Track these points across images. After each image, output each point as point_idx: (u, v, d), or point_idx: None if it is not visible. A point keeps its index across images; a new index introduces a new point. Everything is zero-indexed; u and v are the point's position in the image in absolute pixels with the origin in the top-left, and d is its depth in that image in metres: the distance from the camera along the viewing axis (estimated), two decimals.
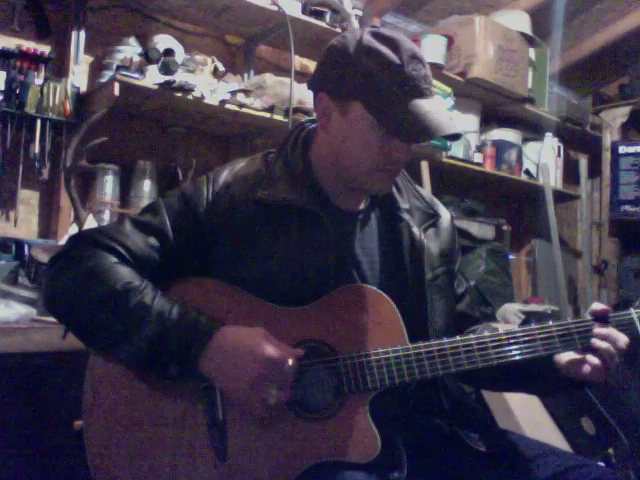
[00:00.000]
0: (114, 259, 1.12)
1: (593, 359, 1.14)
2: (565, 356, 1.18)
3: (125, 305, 1.07)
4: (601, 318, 1.17)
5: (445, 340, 1.14)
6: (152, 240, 1.16)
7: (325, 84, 1.18)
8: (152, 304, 1.07)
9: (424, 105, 1.10)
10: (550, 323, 1.17)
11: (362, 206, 1.27)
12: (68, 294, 1.12)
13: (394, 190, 1.28)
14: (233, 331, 1.08)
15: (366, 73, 1.10)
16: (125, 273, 1.10)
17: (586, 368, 1.14)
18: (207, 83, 2.36)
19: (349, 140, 1.16)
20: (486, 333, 1.16)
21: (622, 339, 1.14)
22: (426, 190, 2.88)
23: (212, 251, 1.18)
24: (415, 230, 1.25)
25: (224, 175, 1.24)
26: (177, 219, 1.19)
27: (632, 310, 1.19)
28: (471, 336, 1.15)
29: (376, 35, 1.13)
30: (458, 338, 1.14)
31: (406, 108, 1.09)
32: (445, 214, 1.35)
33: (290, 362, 1.06)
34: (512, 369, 1.19)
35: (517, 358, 1.14)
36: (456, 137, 1.18)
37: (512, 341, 1.15)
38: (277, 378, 1.05)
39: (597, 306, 1.19)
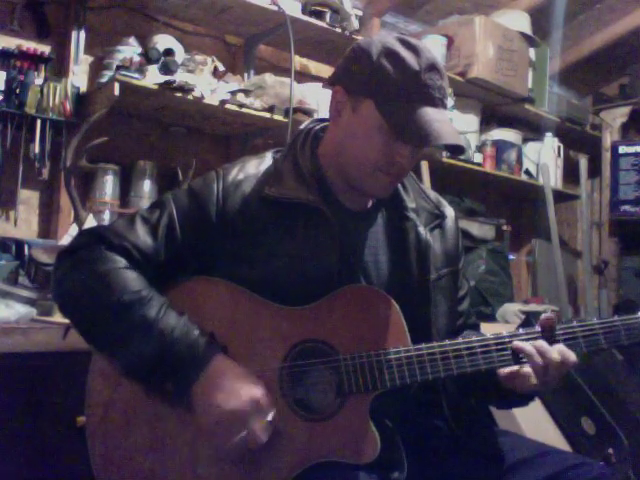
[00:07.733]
0: (123, 263, 1.12)
1: (527, 371, 1.13)
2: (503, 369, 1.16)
3: (129, 318, 1.07)
4: (547, 330, 1.14)
5: (447, 342, 1.13)
6: (161, 238, 1.16)
7: (343, 78, 1.19)
8: (156, 319, 1.07)
9: (432, 113, 1.11)
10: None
11: (369, 205, 1.27)
12: (75, 297, 1.13)
13: (401, 190, 1.28)
14: (227, 364, 1.08)
15: (382, 73, 1.12)
16: (133, 281, 1.10)
17: (521, 379, 1.14)
18: (207, 83, 2.36)
19: (355, 136, 1.17)
20: (489, 335, 1.15)
21: (554, 352, 1.11)
22: None
23: (217, 249, 1.18)
24: (421, 230, 1.24)
25: (234, 172, 1.23)
26: (185, 216, 1.18)
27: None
28: (474, 338, 1.14)
29: (401, 40, 1.15)
30: (461, 340, 1.14)
31: (414, 113, 1.10)
32: (450, 214, 1.35)
33: (265, 404, 1.06)
34: (463, 383, 1.19)
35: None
36: (458, 150, 1.17)
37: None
38: (251, 421, 1.05)
39: (544, 317, 1.15)
